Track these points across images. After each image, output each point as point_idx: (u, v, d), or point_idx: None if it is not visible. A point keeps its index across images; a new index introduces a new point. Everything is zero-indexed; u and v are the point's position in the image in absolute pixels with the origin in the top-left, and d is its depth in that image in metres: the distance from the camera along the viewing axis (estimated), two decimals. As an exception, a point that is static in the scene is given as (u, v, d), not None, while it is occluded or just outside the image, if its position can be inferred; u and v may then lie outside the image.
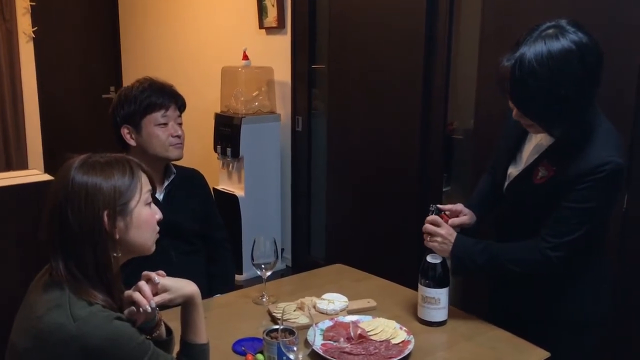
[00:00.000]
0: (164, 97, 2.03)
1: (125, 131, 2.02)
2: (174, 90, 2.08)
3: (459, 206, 1.78)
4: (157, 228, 1.29)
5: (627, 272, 2.32)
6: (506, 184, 1.71)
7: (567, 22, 1.44)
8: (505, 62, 1.45)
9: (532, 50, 1.41)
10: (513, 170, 1.70)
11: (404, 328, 1.61)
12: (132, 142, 2.02)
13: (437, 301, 1.67)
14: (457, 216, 1.76)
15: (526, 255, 1.58)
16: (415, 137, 3.16)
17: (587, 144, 1.50)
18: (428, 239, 1.68)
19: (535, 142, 1.64)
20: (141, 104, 1.99)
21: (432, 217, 1.69)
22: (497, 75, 1.49)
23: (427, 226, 1.68)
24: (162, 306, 1.27)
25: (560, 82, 1.41)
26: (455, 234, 1.66)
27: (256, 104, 4.05)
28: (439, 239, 1.66)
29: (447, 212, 1.74)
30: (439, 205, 1.73)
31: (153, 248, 1.29)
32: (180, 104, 2.09)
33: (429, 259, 1.68)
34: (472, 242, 1.66)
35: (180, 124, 2.08)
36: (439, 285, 1.67)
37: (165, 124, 2.02)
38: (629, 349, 2.40)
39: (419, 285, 1.70)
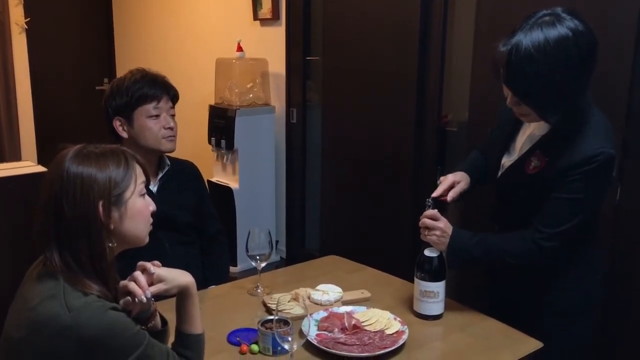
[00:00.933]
0: (156, 88, 2.00)
1: (117, 123, 2.01)
2: (166, 82, 2.06)
3: (449, 178, 1.76)
4: (151, 220, 1.29)
5: (619, 264, 2.33)
6: (499, 174, 1.72)
7: (563, 10, 1.46)
8: (502, 47, 1.46)
9: (529, 36, 1.42)
10: (506, 161, 1.70)
11: (398, 319, 1.62)
12: (124, 135, 2.01)
13: (435, 294, 1.67)
14: (453, 187, 1.75)
15: (521, 247, 1.59)
16: (409, 130, 3.16)
17: (580, 135, 1.51)
18: (426, 232, 1.67)
19: (529, 132, 1.65)
20: (133, 96, 1.97)
21: (430, 211, 1.67)
22: (493, 61, 1.50)
23: (425, 220, 1.66)
24: (158, 297, 1.27)
25: (557, 67, 1.42)
26: (452, 227, 1.66)
27: (250, 95, 4.04)
28: (437, 232, 1.65)
29: (442, 195, 1.73)
30: (433, 196, 1.72)
31: (146, 239, 1.29)
32: (172, 95, 2.06)
33: (427, 252, 1.68)
34: (468, 235, 1.66)
35: (173, 116, 2.06)
36: (436, 278, 1.67)
37: (158, 116, 2.00)
38: (620, 340, 2.42)
39: (415, 279, 1.69)
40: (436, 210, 1.67)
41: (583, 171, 1.48)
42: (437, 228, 1.64)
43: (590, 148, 1.48)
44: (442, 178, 1.78)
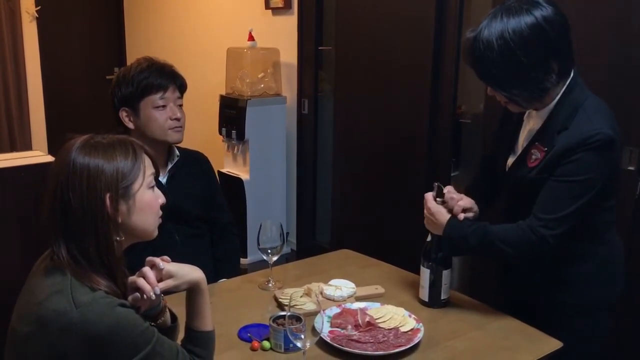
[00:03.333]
0: (162, 78, 1.95)
1: (123, 114, 1.96)
2: (173, 71, 2.00)
3: (466, 199, 1.71)
4: (160, 212, 1.26)
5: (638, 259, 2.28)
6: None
7: None
8: (469, 33, 1.46)
9: (491, 24, 1.43)
10: (511, 160, 1.67)
11: (413, 316, 1.58)
12: (131, 125, 1.96)
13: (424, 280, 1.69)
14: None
15: (519, 236, 1.51)
16: (423, 121, 3.10)
17: (574, 120, 1.48)
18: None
19: (528, 128, 1.62)
20: (138, 86, 1.92)
21: (427, 193, 1.68)
22: (463, 48, 1.50)
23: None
24: (167, 291, 1.23)
25: (518, 56, 1.41)
26: (442, 211, 1.64)
27: (262, 85, 4.00)
28: (425, 212, 1.67)
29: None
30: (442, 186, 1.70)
31: (155, 233, 1.26)
32: (180, 85, 2.01)
33: (429, 240, 1.69)
34: (467, 223, 1.62)
35: (180, 106, 2.01)
36: (428, 261, 1.69)
37: (164, 107, 1.95)
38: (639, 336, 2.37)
39: (421, 267, 1.70)
40: (430, 193, 1.67)
41: (580, 152, 1.44)
42: (426, 208, 1.66)
43: (585, 130, 1.44)
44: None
